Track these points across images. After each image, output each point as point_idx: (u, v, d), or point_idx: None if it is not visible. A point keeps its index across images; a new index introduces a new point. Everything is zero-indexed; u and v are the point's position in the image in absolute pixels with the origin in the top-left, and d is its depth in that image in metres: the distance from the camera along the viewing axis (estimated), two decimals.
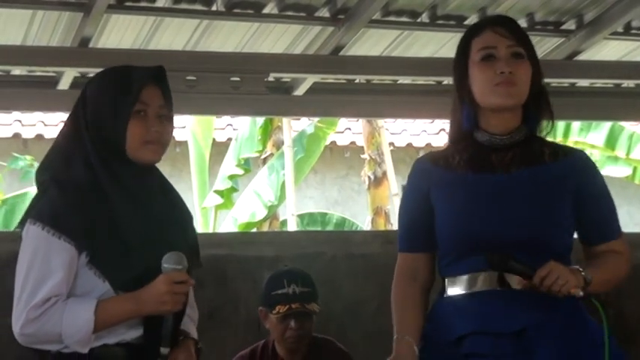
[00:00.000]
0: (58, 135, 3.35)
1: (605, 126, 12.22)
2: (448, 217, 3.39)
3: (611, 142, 12.40)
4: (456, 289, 3.38)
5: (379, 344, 5.95)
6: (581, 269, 3.27)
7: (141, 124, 3.24)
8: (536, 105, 3.39)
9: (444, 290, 3.42)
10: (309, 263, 5.79)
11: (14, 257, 5.49)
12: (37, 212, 3.20)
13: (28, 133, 14.09)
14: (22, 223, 3.26)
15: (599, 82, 6.73)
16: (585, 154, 3.54)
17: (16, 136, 14.07)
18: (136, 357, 3.21)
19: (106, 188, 3.21)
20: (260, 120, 11.58)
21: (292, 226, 11.89)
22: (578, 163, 3.43)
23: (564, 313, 3.29)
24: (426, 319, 3.44)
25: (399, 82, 6.55)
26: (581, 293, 3.23)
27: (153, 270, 3.17)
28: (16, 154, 12.17)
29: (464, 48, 3.43)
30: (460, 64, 3.43)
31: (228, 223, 12.01)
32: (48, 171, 3.29)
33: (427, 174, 3.46)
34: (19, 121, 14.02)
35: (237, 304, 5.75)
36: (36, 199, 3.28)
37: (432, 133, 15.06)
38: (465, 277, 3.36)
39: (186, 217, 3.41)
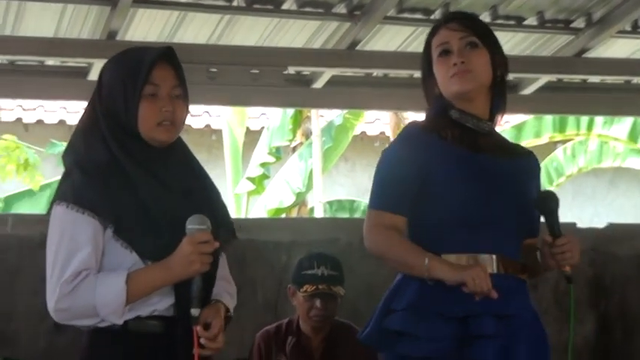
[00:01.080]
0: (79, 120, 3.35)
1: (629, 119, 12.15)
2: (457, 191, 3.33)
3: (634, 135, 12.33)
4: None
5: None
6: None
7: (152, 105, 3.20)
8: (497, 94, 3.43)
9: None
10: (325, 248, 5.85)
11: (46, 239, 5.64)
12: (61, 193, 3.20)
13: (72, 120, 14.30)
14: (50, 206, 3.25)
15: (610, 79, 6.71)
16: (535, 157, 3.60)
17: (61, 122, 14.24)
18: (170, 330, 3.18)
19: (126, 168, 3.20)
20: (290, 110, 11.64)
21: (319, 213, 11.94)
22: (536, 163, 3.53)
23: (527, 298, 3.40)
24: (414, 291, 3.33)
25: (414, 76, 6.50)
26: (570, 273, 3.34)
27: (179, 238, 3.12)
28: (54, 141, 12.21)
29: (425, 49, 3.46)
30: (423, 65, 3.46)
31: (259, 209, 12.06)
32: (70, 155, 3.29)
33: (424, 143, 3.37)
34: (64, 108, 14.21)
35: (255, 287, 5.82)
36: (60, 182, 3.27)
37: None
38: (464, 257, 3.32)
39: (210, 188, 3.36)
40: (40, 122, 14.19)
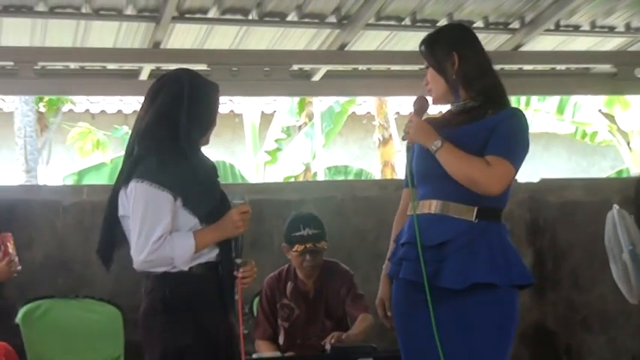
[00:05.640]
0: (150, 114, 3.45)
1: (557, 96, 12.17)
2: (414, 157, 3.43)
3: (560, 108, 12.36)
4: (410, 211, 3.41)
5: (377, 264, 6.03)
6: (441, 142, 3.24)
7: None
8: (460, 82, 3.36)
9: None
10: (325, 204, 5.90)
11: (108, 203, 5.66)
12: (142, 173, 3.34)
13: (127, 110, 14.38)
14: (126, 181, 3.39)
15: (539, 67, 6.69)
16: (514, 110, 3.39)
17: (119, 112, 14.32)
18: (216, 271, 3.43)
19: (188, 155, 3.39)
20: (296, 97, 11.64)
21: (321, 177, 11.98)
22: (503, 115, 3.32)
23: (474, 234, 3.27)
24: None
25: (391, 69, 6.57)
26: (409, 145, 3.36)
27: (218, 207, 3.42)
28: (116, 126, 12.37)
29: None
30: None
31: (275, 176, 12.08)
32: (143, 142, 3.42)
33: None
34: (122, 100, 14.29)
35: (271, 236, 5.88)
36: (134, 163, 3.40)
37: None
38: (414, 203, 3.39)
39: (217, 171, 3.64)
40: (103, 112, 14.23)
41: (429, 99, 3.43)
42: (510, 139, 3.29)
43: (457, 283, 3.23)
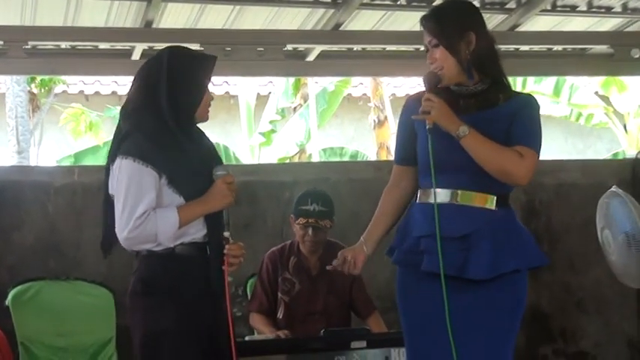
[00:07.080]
0: (134, 93, 3.41)
1: (553, 78, 12.15)
2: (420, 143, 3.30)
3: (556, 90, 12.34)
4: (421, 198, 3.30)
5: None
6: (467, 129, 3.13)
7: (208, 94, 3.43)
8: (473, 64, 3.22)
9: (416, 197, 3.35)
10: (319, 186, 5.81)
11: (102, 185, 5.64)
12: (126, 150, 3.30)
13: (122, 91, 14.21)
14: (112, 159, 3.36)
15: (536, 48, 6.62)
16: (530, 97, 3.32)
17: (114, 93, 14.20)
18: (204, 252, 3.35)
19: (175, 133, 3.31)
20: (291, 78, 11.59)
21: (316, 159, 11.94)
22: (520, 102, 3.25)
23: (495, 222, 3.22)
24: (404, 216, 3.38)
25: (386, 49, 6.48)
26: (429, 125, 3.16)
27: (208, 185, 3.35)
28: (109, 106, 12.29)
29: None
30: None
31: (269, 157, 12.05)
32: (128, 120, 3.37)
33: (413, 110, 3.29)
34: (116, 82, 14.13)
35: (265, 217, 5.86)
36: (120, 141, 3.36)
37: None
38: (428, 191, 3.27)
39: (216, 153, 3.56)
40: (97, 93, 14.14)
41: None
42: (534, 129, 3.24)
43: (486, 273, 3.18)
